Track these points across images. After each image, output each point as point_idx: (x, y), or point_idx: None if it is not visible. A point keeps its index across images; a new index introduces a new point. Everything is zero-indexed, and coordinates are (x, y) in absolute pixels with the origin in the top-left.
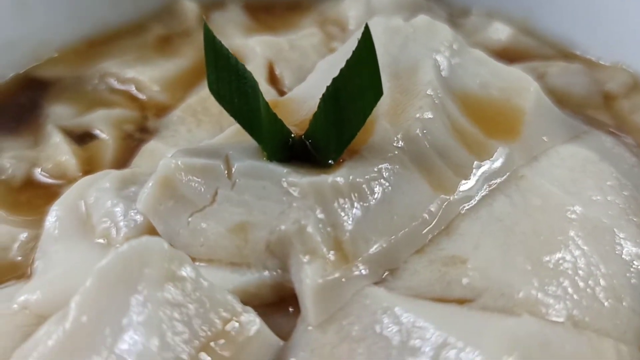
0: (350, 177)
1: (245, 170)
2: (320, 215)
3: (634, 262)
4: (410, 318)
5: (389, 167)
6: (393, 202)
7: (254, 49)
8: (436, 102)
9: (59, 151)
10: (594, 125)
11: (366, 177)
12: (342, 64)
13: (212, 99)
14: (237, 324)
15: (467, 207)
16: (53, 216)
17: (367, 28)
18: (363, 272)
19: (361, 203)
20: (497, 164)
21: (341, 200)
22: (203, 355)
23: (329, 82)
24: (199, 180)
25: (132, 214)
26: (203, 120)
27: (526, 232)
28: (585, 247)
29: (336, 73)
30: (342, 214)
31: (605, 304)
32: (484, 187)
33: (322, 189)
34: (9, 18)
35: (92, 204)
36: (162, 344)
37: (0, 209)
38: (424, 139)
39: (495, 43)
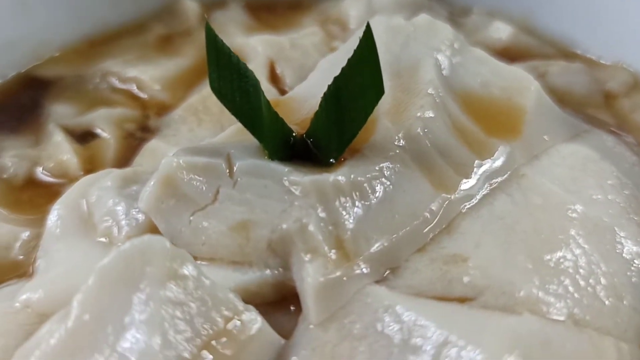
0: (352, 176)
1: (247, 169)
2: (322, 214)
3: (635, 260)
4: (412, 316)
5: (390, 165)
6: (394, 201)
7: (255, 48)
8: (437, 101)
9: (61, 150)
10: (595, 124)
11: (367, 175)
12: (344, 63)
13: (213, 98)
14: (238, 323)
15: (468, 206)
16: (55, 215)
17: (368, 27)
18: (364, 270)
19: (362, 202)
20: (498, 162)
21: (342, 199)
22: (205, 353)
23: (330, 81)
24: (201, 178)
25: (134, 212)
26: (204, 119)
27: (527, 230)
28: (585, 246)
29: (337, 72)
30: (344, 212)
31: (606, 302)
32: (485, 185)
33: (324, 187)
34: (9, 17)
35: (93, 203)
36: (164, 342)
37: (2, 208)
38: (425, 138)
39: (496, 42)
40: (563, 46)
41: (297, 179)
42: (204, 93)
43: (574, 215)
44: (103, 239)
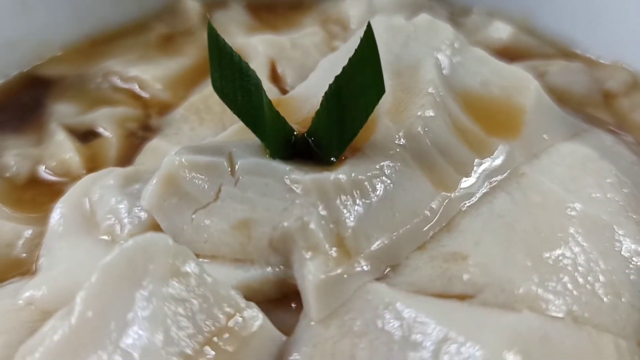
0: (353, 175)
1: (249, 167)
2: (323, 212)
3: (633, 258)
4: (412, 313)
5: (391, 164)
6: (395, 199)
7: (256, 48)
8: (437, 100)
9: (63, 149)
10: (594, 123)
11: (368, 174)
12: (344, 63)
13: (214, 97)
14: (240, 319)
15: (468, 204)
16: (57, 213)
17: (369, 27)
18: (365, 268)
19: (363, 200)
20: (498, 161)
21: (343, 197)
22: (207, 349)
23: (331, 81)
24: (203, 177)
25: (136, 211)
26: (206, 118)
27: (526, 229)
28: (584, 244)
29: (338, 71)
30: (344, 210)
31: (605, 299)
32: (485, 184)
33: (325, 186)
34: (11, 17)
35: (96, 201)
36: (166, 339)
37: (5, 206)
38: (426, 137)
39: (496, 42)
40: (563, 46)
41: (299, 178)
42: (206, 92)
43: (573, 213)
44: (106, 237)
